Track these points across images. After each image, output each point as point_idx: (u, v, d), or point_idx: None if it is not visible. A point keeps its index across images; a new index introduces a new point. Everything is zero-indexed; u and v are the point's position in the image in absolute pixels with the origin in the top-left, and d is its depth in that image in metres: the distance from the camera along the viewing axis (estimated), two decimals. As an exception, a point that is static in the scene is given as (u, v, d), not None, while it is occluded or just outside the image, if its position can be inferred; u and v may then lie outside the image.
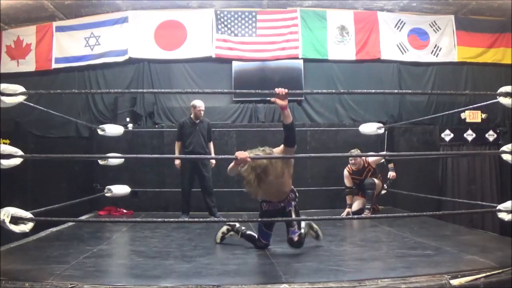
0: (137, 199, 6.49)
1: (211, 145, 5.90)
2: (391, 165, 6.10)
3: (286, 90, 3.09)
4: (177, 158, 5.90)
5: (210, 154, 5.85)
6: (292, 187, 3.64)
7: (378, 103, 7.78)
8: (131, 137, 6.81)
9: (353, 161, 5.86)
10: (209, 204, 5.76)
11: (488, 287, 2.63)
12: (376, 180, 5.90)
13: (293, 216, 3.51)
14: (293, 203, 3.59)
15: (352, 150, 5.94)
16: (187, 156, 5.74)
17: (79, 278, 2.68)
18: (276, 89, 3.11)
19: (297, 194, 3.65)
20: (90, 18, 7.73)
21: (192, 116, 5.78)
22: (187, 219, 5.34)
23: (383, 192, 6.28)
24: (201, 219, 5.36)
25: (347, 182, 5.94)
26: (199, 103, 5.75)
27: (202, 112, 5.77)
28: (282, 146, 3.39)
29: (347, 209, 5.80)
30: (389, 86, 7.68)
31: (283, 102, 3.14)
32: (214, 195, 5.84)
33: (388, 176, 6.07)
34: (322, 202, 6.65)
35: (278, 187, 3.48)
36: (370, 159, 5.92)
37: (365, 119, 7.16)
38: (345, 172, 5.99)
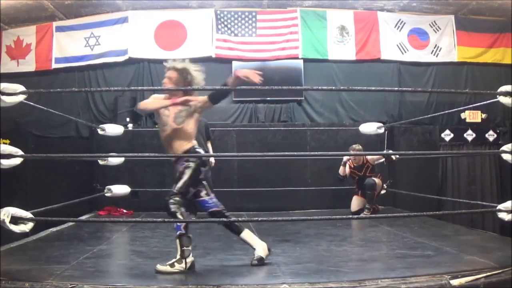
0: (137, 199, 6.49)
1: (209, 144, 5.88)
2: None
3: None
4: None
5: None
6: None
7: (378, 103, 7.77)
8: (131, 137, 6.80)
9: (353, 158, 5.93)
10: None
11: (488, 287, 2.63)
12: (377, 180, 5.92)
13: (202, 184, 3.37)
14: (190, 164, 3.24)
15: (354, 146, 5.96)
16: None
17: (79, 278, 2.68)
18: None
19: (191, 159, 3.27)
20: (90, 18, 7.71)
21: None
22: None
23: (383, 192, 6.28)
24: (201, 219, 5.36)
25: (341, 171, 6.04)
26: None
27: None
28: (206, 97, 3.26)
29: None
30: (389, 86, 7.67)
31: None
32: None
33: (393, 158, 6.06)
34: (322, 202, 6.66)
35: (170, 134, 3.24)
36: (369, 157, 5.97)
37: (365, 119, 7.16)
38: (347, 165, 6.04)
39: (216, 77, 7.60)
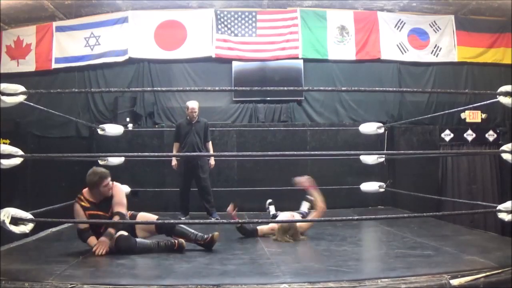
0: (137, 199, 6.48)
1: (209, 145, 5.84)
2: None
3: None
4: (175, 156, 5.89)
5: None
6: None
7: (378, 103, 7.78)
8: (131, 137, 6.81)
9: None
10: (206, 205, 5.74)
11: (488, 287, 2.63)
12: None
13: None
14: None
15: None
16: (186, 154, 5.70)
17: (79, 278, 2.68)
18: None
19: None
20: (90, 18, 7.72)
21: (187, 117, 5.78)
22: (186, 219, 5.32)
23: (382, 190, 6.22)
24: (201, 220, 5.36)
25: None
26: (191, 104, 5.72)
27: (195, 114, 5.71)
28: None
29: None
30: (389, 86, 7.66)
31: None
32: (213, 195, 5.79)
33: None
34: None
35: None
36: None
37: (365, 119, 7.16)
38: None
39: (216, 77, 7.70)
